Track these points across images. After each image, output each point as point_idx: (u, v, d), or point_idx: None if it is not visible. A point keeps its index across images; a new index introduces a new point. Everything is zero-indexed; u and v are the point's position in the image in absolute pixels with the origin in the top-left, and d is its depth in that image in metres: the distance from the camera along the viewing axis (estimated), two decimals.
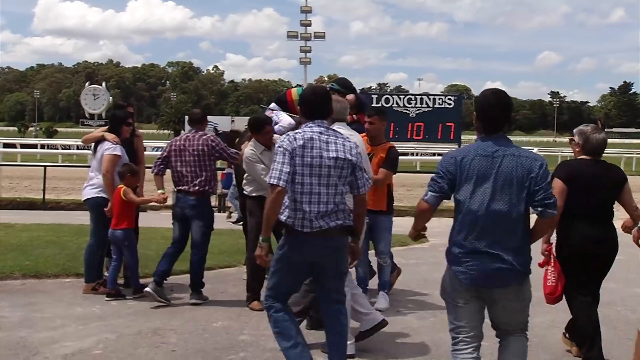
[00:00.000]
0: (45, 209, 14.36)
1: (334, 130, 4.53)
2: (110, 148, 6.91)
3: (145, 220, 7.39)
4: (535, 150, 19.78)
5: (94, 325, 5.98)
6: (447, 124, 15.32)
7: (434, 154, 31.77)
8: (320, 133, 4.37)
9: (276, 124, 6.86)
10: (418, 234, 4.18)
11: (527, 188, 3.78)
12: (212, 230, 6.92)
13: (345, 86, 7.00)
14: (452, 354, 4.04)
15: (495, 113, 3.95)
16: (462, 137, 15.87)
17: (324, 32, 54.45)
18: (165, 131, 70.37)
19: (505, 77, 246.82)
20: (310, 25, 51.78)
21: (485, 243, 3.80)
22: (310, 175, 4.28)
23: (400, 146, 17.15)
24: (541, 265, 5.20)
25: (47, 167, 17.27)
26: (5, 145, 34.26)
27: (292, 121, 6.97)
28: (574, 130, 5.42)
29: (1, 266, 7.82)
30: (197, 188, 6.67)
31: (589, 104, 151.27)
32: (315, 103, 4.54)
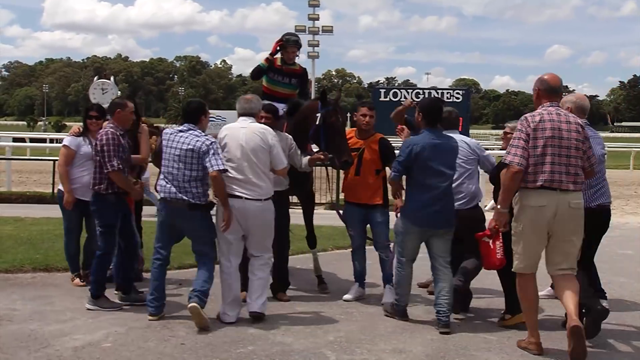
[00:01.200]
0: (54, 202, 14.37)
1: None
2: (64, 139, 7.06)
3: (150, 216, 7.35)
4: None
5: (104, 318, 5.99)
6: None
7: None
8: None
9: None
10: None
11: None
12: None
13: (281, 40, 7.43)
14: None
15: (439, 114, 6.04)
16: (470, 130, 15.82)
17: (332, 26, 54.43)
18: (174, 125, 70.56)
19: (514, 71, 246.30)
20: (318, 19, 51.76)
21: None
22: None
23: None
24: (482, 235, 5.77)
25: (56, 162, 17.27)
26: (15, 140, 34.32)
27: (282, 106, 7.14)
28: (509, 125, 6.00)
29: (12, 259, 7.86)
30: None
31: (598, 97, 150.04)
32: None
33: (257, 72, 7.65)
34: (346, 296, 6.84)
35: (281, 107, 7.08)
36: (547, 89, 5.38)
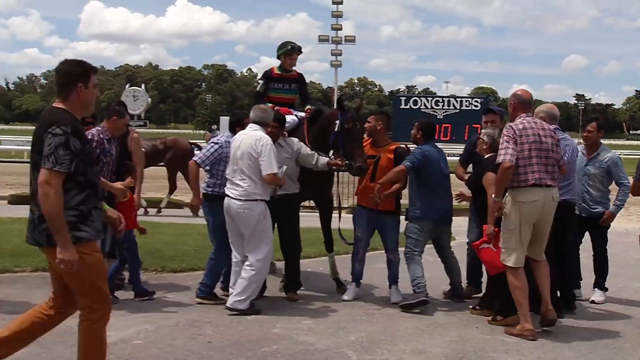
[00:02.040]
0: None
1: None
2: None
3: (183, 217, 7.37)
4: None
5: (134, 316, 6.04)
6: (474, 125, 15.17)
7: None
8: None
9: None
10: None
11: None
12: None
13: (281, 46, 7.52)
14: None
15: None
16: None
17: (354, 36, 54.12)
18: (201, 131, 70.96)
19: (532, 80, 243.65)
20: (341, 29, 51.55)
21: None
22: None
23: None
24: (479, 243, 6.13)
25: None
26: None
27: (295, 119, 7.19)
28: (483, 132, 6.53)
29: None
30: None
31: (614, 106, 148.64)
32: None
33: (258, 95, 7.64)
34: (344, 296, 6.87)
35: (290, 118, 7.13)
36: (522, 102, 6.07)
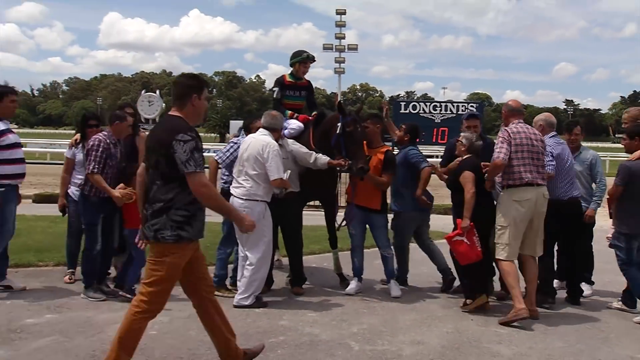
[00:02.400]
0: None
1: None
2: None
3: None
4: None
5: None
6: None
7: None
8: None
9: (286, 128, 6.98)
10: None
11: None
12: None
13: (296, 55, 7.45)
14: None
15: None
16: None
17: (357, 45, 54.06)
18: (212, 134, 70.85)
19: (524, 86, 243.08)
20: (344, 38, 51.51)
21: None
22: None
23: (426, 149, 17.10)
24: (453, 235, 6.16)
25: None
26: None
27: (300, 125, 7.14)
28: (462, 135, 6.63)
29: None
30: None
31: (601, 111, 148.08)
32: None
33: (276, 102, 7.58)
34: (347, 290, 6.86)
35: (296, 124, 7.12)
36: (512, 110, 6.39)
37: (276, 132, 6.40)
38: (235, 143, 6.80)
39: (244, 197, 6.15)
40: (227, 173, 6.85)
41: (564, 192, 6.52)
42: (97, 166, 6.15)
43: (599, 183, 6.99)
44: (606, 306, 6.51)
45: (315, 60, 7.68)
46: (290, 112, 7.37)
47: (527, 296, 6.10)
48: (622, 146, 6.55)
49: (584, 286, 6.92)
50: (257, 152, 6.14)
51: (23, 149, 6.64)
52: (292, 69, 7.55)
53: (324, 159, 6.63)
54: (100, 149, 6.21)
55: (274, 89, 7.64)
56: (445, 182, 6.71)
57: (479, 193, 6.15)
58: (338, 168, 6.80)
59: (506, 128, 6.23)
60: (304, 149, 6.72)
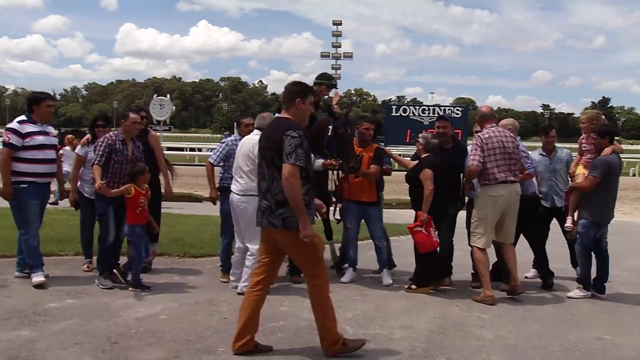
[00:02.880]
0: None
1: None
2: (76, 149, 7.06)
3: (202, 209, 7.35)
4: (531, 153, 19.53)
5: (161, 295, 6.04)
6: (455, 130, 15.17)
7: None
8: None
9: None
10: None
11: None
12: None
13: (324, 77, 7.16)
14: None
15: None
16: (467, 141, 15.76)
17: (352, 53, 54.30)
18: (218, 135, 70.92)
19: (505, 92, 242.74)
20: (340, 46, 51.65)
21: None
22: None
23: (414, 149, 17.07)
24: (414, 226, 6.27)
25: None
26: None
27: None
28: (420, 136, 6.75)
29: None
30: None
31: (574, 115, 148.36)
32: None
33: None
34: (343, 279, 6.84)
35: None
36: (484, 115, 6.55)
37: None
38: (224, 143, 6.90)
39: (241, 193, 6.15)
40: (222, 171, 6.86)
41: (524, 189, 6.63)
42: (98, 159, 6.18)
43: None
44: (567, 296, 6.48)
45: (322, 84, 7.29)
46: None
47: (512, 275, 6.30)
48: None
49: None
50: (249, 150, 6.16)
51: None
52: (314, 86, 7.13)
53: (319, 161, 6.62)
54: (104, 145, 6.22)
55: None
56: (405, 177, 6.74)
57: (436, 190, 6.24)
58: (329, 167, 6.74)
59: (479, 135, 6.40)
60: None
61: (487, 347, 4.84)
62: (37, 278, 6.19)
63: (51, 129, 6.55)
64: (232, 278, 6.41)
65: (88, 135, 6.95)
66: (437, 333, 5.14)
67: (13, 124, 6.27)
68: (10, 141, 6.13)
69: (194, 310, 5.58)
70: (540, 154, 7.20)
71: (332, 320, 4.50)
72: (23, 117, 6.35)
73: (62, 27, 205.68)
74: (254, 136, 6.29)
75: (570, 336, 5.19)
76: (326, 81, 7.35)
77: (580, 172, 6.65)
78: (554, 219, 7.10)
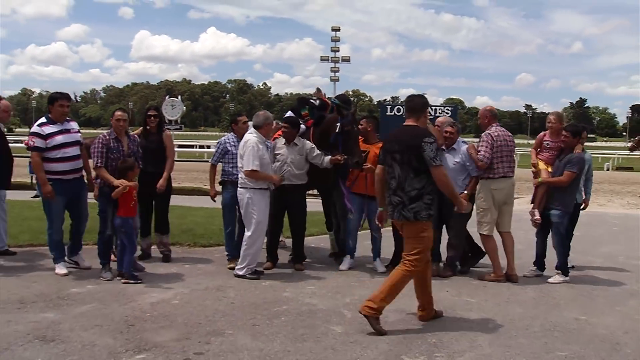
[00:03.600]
0: None
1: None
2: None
3: (210, 202, 7.32)
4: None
5: (173, 282, 6.04)
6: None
7: None
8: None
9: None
10: None
11: None
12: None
13: (344, 102, 6.95)
14: None
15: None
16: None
17: (349, 57, 54.02)
18: (225, 133, 70.81)
19: (491, 93, 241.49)
20: (338, 51, 51.44)
21: None
22: None
23: None
24: None
25: None
26: None
27: (303, 127, 7.02)
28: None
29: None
30: None
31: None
32: None
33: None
34: (341, 266, 6.79)
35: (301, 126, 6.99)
36: (494, 115, 6.68)
37: (261, 128, 6.33)
38: (219, 142, 6.97)
39: (240, 186, 6.26)
40: (223, 166, 6.87)
41: None
42: (99, 160, 6.12)
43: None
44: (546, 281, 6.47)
45: (339, 105, 6.92)
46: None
47: (508, 263, 6.48)
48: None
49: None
50: (240, 148, 6.26)
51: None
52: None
53: (327, 158, 6.61)
54: (100, 146, 6.14)
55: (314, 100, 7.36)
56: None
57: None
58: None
59: (489, 132, 6.47)
60: (316, 152, 6.67)
61: (475, 328, 4.85)
62: (60, 270, 6.19)
63: (73, 125, 6.42)
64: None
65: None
66: None
67: (34, 128, 6.26)
68: (35, 144, 6.13)
69: (204, 295, 5.58)
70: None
71: (430, 296, 5.02)
72: (43, 119, 6.32)
73: (83, 35, 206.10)
74: (247, 135, 6.37)
75: (550, 317, 5.21)
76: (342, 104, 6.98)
77: (542, 167, 6.67)
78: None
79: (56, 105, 6.28)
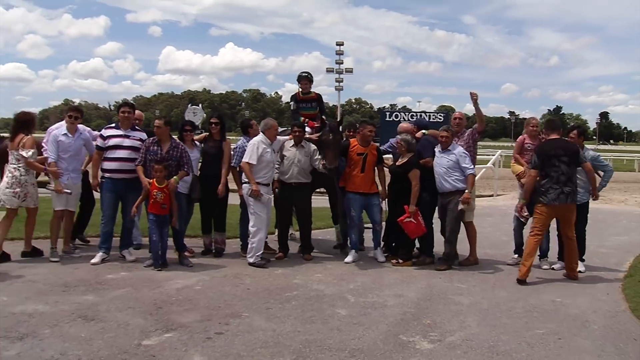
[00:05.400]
0: None
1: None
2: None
3: (229, 199, 7.30)
4: (499, 152, 19.59)
5: (195, 270, 6.07)
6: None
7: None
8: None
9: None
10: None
11: None
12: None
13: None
14: None
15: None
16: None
17: (352, 68, 53.60)
18: (241, 137, 70.67)
19: (480, 101, 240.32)
20: (342, 63, 51.04)
21: None
22: None
23: None
24: (403, 218, 6.22)
25: None
26: None
27: (310, 130, 7.09)
28: (401, 138, 6.51)
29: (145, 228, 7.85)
30: None
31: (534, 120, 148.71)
32: None
33: (293, 112, 7.50)
34: (347, 259, 6.65)
35: (307, 130, 6.99)
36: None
37: (267, 131, 6.38)
38: (238, 147, 6.78)
39: (242, 181, 6.44)
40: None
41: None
42: (139, 160, 6.15)
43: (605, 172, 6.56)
44: (551, 267, 6.52)
45: (307, 77, 7.40)
46: (302, 118, 7.26)
47: (471, 250, 6.66)
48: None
49: (578, 264, 6.33)
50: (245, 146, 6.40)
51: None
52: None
53: (319, 162, 6.59)
54: (143, 148, 6.19)
55: (291, 102, 7.54)
56: (391, 172, 6.64)
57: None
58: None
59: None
60: (317, 155, 6.67)
61: (465, 311, 4.86)
62: (94, 259, 6.22)
63: (137, 134, 6.39)
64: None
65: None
66: (423, 300, 5.16)
67: (102, 130, 6.49)
68: (97, 143, 6.38)
69: (223, 282, 5.61)
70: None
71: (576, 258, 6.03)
72: (112, 124, 6.50)
73: (117, 51, 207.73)
74: (257, 136, 6.41)
75: (530, 300, 5.23)
76: (298, 77, 7.44)
77: (518, 169, 6.64)
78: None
79: (120, 112, 6.43)
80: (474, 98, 6.72)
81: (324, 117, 7.58)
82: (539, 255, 6.59)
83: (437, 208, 6.60)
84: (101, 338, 3.95)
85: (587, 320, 4.70)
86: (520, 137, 6.95)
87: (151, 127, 6.61)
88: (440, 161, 6.41)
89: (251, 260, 6.28)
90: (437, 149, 6.52)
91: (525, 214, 6.35)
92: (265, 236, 6.56)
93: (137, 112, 6.85)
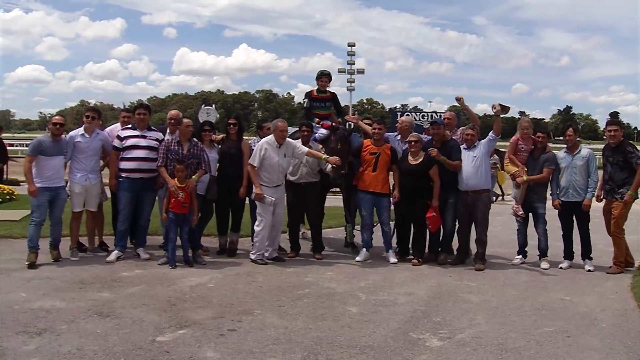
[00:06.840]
0: None
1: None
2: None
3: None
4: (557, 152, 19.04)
5: (209, 268, 6.10)
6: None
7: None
8: None
9: (316, 133, 6.92)
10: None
11: None
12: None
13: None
14: None
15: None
16: None
17: (364, 69, 53.43)
18: (253, 137, 70.93)
19: (490, 101, 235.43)
20: (354, 64, 50.91)
21: None
22: None
23: None
24: (430, 214, 6.30)
25: None
26: None
27: (325, 131, 6.95)
28: (414, 134, 6.58)
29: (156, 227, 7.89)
30: None
31: (544, 119, 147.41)
32: None
33: (306, 110, 7.32)
34: (357, 258, 6.63)
35: (324, 131, 6.93)
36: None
37: (274, 132, 6.37)
38: (250, 147, 6.66)
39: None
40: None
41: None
42: (160, 160, 6.18)
43: (593, 176, 6.36)
44: (558, 267, 6.44)
45: (328, 75, 7.30)
46: (317, 119, 7.12)
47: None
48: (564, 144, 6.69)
49: (587, 262, 6.44)
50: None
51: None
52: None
53: (329, 166, 6.50)
54: (163, 148, 6.21)
55: (304, 100, 7.35)
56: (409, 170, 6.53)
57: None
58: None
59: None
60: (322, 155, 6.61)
61: (474, 309, 4.85)
62: (109, 257, 6.29)
63: (153, 134, 6.43)
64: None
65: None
66: (433, 298, 5.15)
67: (119, 131, 6.52)
68: (114, 144, 6.39)
69: (235, 280, 5.64)
70: (565, 151, 6.58)
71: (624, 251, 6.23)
72: (129, 125, 6.54)
73: (132, 53, 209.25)
74: (265, 137, 6.42)
75: (539, 298, 5.20)
76: (317, 75, 7.34)
77: (512, 169, 6.62)
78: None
79: (135, 114, 6.49)
80: (461, 102, 6.92)
81: (340, 119, 7.37)
82: (538, 255, 6.59)
83: (452, 206, 6.48)
84: (116, 334, 4.00)
85: (595, 318, 4.66)
86: (513, 137, 6.91)
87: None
88: (467, 159, 6.38)
89: (253, 257, 6.35)
90: (462, 147, 6.51)
91: (521, 212, 6.47)
92: (279, 236, 6.58)
93: (172, 112, 6.82)
